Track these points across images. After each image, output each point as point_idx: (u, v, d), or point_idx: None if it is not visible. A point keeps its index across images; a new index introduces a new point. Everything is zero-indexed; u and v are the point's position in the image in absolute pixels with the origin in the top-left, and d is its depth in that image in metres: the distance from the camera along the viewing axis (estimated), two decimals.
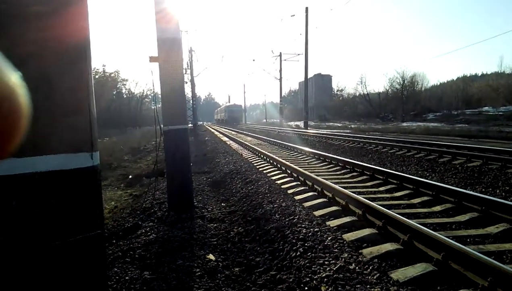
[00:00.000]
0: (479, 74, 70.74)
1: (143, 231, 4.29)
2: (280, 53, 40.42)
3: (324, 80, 76.17)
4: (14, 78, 0.47)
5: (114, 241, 4.09)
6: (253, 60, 59.24)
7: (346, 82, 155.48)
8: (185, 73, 31.84)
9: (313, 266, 2.85)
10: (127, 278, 3.04)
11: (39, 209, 1.20)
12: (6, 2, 1.14)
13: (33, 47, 1.15)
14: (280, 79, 41.44)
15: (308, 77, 31.36)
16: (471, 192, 4.46)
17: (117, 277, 3.05)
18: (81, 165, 1.29)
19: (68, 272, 1.27)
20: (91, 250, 1.34)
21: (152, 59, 4.77)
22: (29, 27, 1.15)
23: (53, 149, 1.22)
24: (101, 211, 1.40)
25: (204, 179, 8.07)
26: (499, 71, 49.52)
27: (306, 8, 29.26)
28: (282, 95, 44.13)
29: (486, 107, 35.35)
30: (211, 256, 3.51)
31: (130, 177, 9.89)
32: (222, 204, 5.70)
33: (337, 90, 73.46)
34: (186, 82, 33.63)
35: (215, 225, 4.56)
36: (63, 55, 1.23)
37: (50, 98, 1.20)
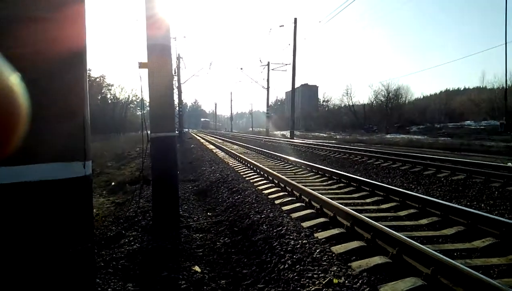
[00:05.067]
0: (462, 89, 72.84)
1: (127, 240, 4.17)
2: (268, 62, 40.70)
3: (310, 91, 76.94)
4: None
5: (96, 251, 3.96)
6: (241, 68, 59.36)
7: (332, 93, 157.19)
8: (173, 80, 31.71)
9: (302, 279, 2.80)
10: (109, 290, 2.93)
11: (26, 221, 1.12)
12: (2, 7, 1.09)
13: (30, 51, 1.10)
14: (268, 89, 41.61)
15: (295, 87, 31.61)
16: (457, 206, 4.50)
17: (99, 289, 2.94)
18: (73, 174, 1.21)
19: (56, 286, 1.20)
20: (80, 263, 1.26)
21: (141, 65, 4.69)
22: (28, 32, 1.09)
23: (44, 157, 1.14)
24: (91, 223, 1.33)
25: (190, 187, 7.96)
26: (481, 86, 51.04)
27: (295, 19, 29.74)
28: (269, 105, 44.28)
29: (468, 121, 36.31)
30: (196, 268, 3.43)
31: (113, 183, 9.68)
32: (208, 214, 5.61)
33: (323, 101, 74.42)
34: (173, 89, 33.45)
35: (201, 235, 4.47)
36: (59, 59, 1.17)
37: (42, 103, 1.13)
